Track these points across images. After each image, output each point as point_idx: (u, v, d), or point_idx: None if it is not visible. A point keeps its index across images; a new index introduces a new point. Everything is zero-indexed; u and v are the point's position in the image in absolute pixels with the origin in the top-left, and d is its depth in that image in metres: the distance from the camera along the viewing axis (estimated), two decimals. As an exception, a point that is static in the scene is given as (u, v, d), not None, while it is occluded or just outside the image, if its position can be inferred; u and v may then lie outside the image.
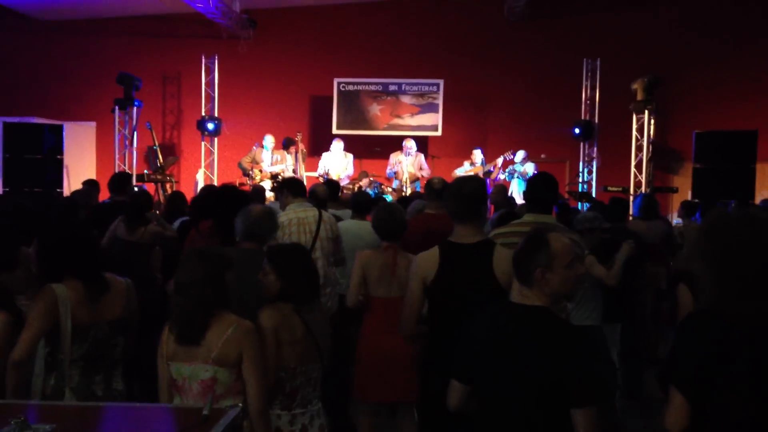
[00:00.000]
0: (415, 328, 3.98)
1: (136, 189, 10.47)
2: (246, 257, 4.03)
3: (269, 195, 11.16)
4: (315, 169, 13.70)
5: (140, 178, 13.82)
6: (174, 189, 13.72)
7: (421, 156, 13.43)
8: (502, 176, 13.24)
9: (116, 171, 14.19)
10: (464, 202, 3.94)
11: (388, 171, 13.33)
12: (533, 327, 2.88)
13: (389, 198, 10.97)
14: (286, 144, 13.67)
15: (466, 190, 3.97)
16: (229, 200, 5.27)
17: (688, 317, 2.58)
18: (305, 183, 12.97)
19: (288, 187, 6.19)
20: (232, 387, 3.32)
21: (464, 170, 13.19)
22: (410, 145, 13.19)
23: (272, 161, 13.35)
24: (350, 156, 13.45)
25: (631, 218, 8.29)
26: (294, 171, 13.49)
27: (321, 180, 12.86)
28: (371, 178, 13.05)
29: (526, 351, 2.84)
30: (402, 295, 4.82)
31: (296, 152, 13.71)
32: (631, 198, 12.75)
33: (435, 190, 5.78)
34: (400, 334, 4.14)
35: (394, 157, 13.26)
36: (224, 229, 5.03)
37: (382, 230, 5.08)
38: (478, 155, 13.25)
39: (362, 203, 6.87)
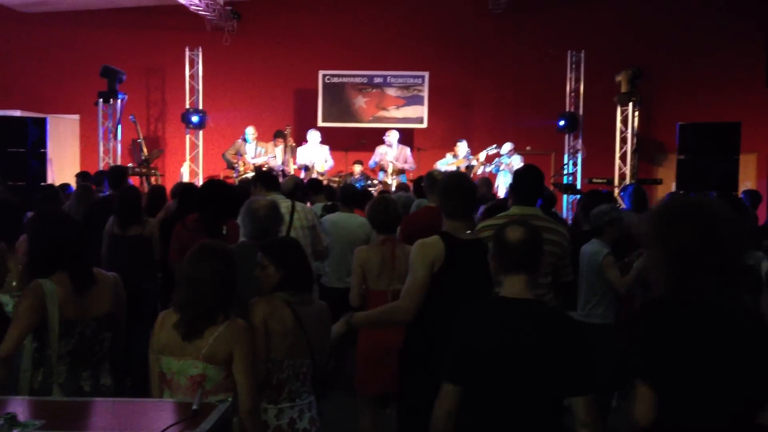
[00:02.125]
0: (415, 315, 3.83)
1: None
2: (245, 252, 4.04)
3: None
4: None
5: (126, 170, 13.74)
6: (159, 182, 13.68)
7: (407, 149, 13.41)
8: (488, 169, 13.25)
9: (101, 164, 14.15)
10: (464, 199, 3.98)
11: (370, 162, 13.30)
12: (531, 320, 2.89)
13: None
14: (276, 136, 13.64)
15: (465, 187, 4.02)
16: (214, 193, 5.26)
17: (646, 308, 2.58)
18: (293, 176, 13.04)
19: (261, 181, 6.22)
20: (222, 384, 3.33)
21: (446, 162, 13.19)
22: (391, 135, 13.16)
23: (255, 153, 13.31)
24: (326, 147, 13.38)
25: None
26: (284, 163, 13.48)
27: (301, 173, 12.87)
28: (362, 170, 13.04)
29: (524, 345, 2.84)
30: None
31: (285, 145, 13.70)
32: (616, 189, 12.81)
33: (438, 181, 5.76)
34: (400, 322, 3.98)
35: (380, 150, 13.26)
36: (211, 222, 5.02)
37: (378, 223, 5.09)
38: (462, 148, 13.17)
39: (350, 196, 6.88)
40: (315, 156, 13.16)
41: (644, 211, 7.93)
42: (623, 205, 8.29)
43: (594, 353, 2.94)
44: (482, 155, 12.99)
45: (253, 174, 12.55)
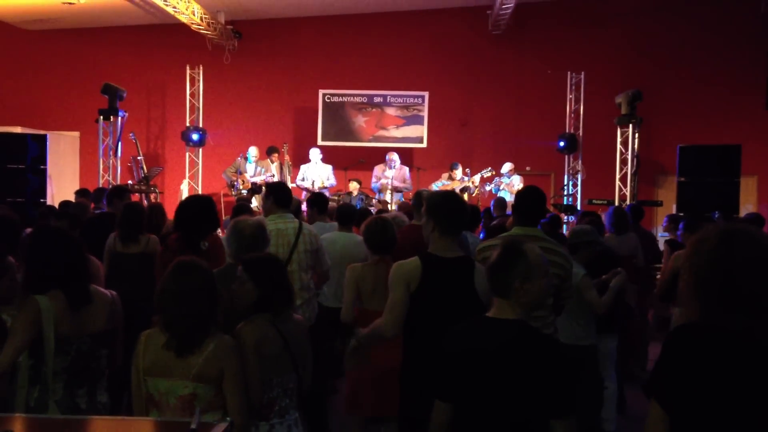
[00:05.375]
0: (397, 331, 3.96)
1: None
2: (228, 271, 4.00)
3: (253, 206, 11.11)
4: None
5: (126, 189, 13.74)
6: (158, 200, 13.66)
7: (406, 169, 13.45)
8: (488, 188, 13.26)
9: (100, 181, 14.13)
10: (455, 217, 3.98)
11: (372, 184, 13.33)
12: (512, 341, 2.92)
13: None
14: (269, 151, 13.66)
15: (456, 205, 4.03)
16: (187, 211, 5.13)
17: (674, 330, 2.55)
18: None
19: (274, 195, 5.96)
20: (212, 402, 3.29)
21: (441, 184, 13.21)
22: (394, 158, 13.23)
23: (255, 172, 13.34)
24: (329, 166, 13.47)
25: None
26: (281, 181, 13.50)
27: (302, 194, 12.86)
28: (359, 188, 13.04)
29: (507, 365, 2.87)
30: None
31: (282, 163, 13.72)
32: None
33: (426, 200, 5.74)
34: (384, 336, 4.08)
35: (379, 170, 13.29)
36: (188, 240, 4.91)
37: (374, 243, 5.04)
38: (458, 173, 13.25)
39: (347, 215, 6.83)
40: (317, 174, 13.19)
41: (624, 232, 7.91)
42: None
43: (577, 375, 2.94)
44: (477, 178, 13.01)
45: (248, 191, 12.57)
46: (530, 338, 2.94)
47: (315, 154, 13.52)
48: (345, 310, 4.99)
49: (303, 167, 13.52)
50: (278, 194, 5.97)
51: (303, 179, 13.28)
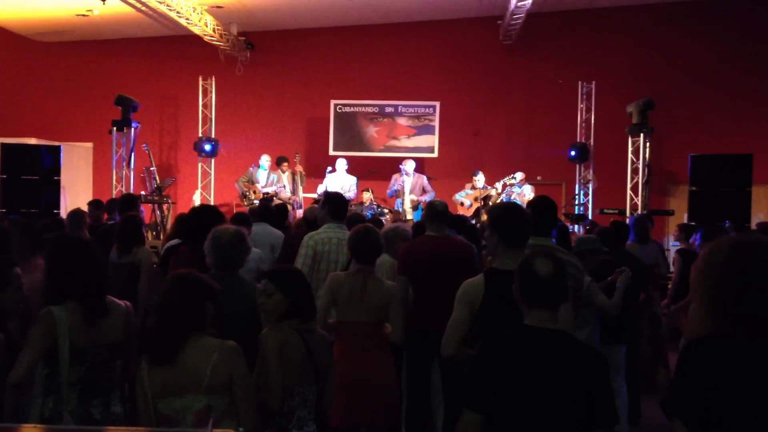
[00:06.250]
0: (455, 350, 3.96)
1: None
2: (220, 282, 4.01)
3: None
4: (313, 190, 13.73)
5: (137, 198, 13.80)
6: (171, 210, 13.74)
7: (423, 177, 13.38)
8: (500, 198, 13.24)
9: (113, 192, 14.19)
10: (518, 227, 4.04)
11: (388, 191, 13.32)
12: (559, 351, 2.91)
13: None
14: (278, 162, 13.69)
15: (518, 215, 4.09)
16: (201, 222, 5.07)
17: (689, 344, 2.53)
18: (302, 205, 13.03)
19: (330, 206, 6.13)
20: (227, 411, 3.30)
21: (464, 194, 13.18)
22: (403, 166, 13.17)
23: (268, 182, 13.37)
24: (354, 178, 13.45)
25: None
26: (293, 191, 13.52)
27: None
28: (372, 198, 13.04)
29: (555, 376, 2.85)
30: (370, 320, 4.79)
31: (294, 173, 13.74)
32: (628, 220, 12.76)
33: (438, 212, 5.72)
34: (444, 356, 4.09)
35: (396, 178, 13.26)
36: (200, 252, 4.77)
37: (355, 251, 4.96)
38: (480, 180, 13.21)
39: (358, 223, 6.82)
40: (338, 183, 13.19)
41: (647, 242, 7.92)
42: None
43: None
44: (499, 185, 12.99)
45: (259, 201, 12.57)
46: (577, 349, 2.94)
47: (341, 164, 13.51)
48: (317, 317, 4.92)
49: (329, 176, 13.49)
50: (333, 205, 6.15)
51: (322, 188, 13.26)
